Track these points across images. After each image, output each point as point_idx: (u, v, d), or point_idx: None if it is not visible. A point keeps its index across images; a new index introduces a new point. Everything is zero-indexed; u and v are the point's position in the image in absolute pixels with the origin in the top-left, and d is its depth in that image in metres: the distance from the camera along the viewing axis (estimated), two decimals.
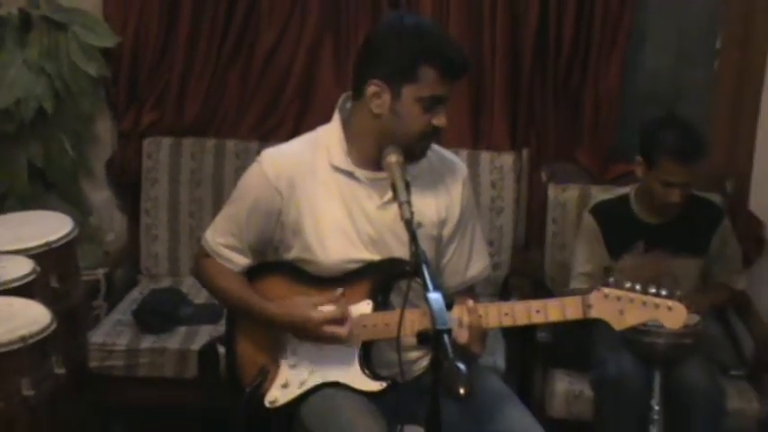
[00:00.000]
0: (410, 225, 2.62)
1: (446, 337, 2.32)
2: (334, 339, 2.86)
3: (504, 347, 3.94)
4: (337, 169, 2.94)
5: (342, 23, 4.43)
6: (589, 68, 4.35)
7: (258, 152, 4.31)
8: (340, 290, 2.89)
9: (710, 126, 4.48)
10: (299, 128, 4.47)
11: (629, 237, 3.85)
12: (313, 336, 2.89)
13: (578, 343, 3.76)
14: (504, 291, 4.34)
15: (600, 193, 4.14)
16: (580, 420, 3.81)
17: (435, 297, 2.41)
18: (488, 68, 4.38)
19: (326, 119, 4.34)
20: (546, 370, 3.93)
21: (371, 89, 2.85)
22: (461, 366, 2.25)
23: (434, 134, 2.85)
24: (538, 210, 4.43)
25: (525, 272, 4.37)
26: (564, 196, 4.35)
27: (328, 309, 2.86)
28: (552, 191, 4.37)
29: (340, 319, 2.85)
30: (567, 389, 3.86)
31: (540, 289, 4.23)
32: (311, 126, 4.34)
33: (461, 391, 2.23)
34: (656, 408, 3.59)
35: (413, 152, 2.86)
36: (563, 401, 3.85)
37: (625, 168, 4.25)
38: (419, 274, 2.53)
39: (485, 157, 4.38)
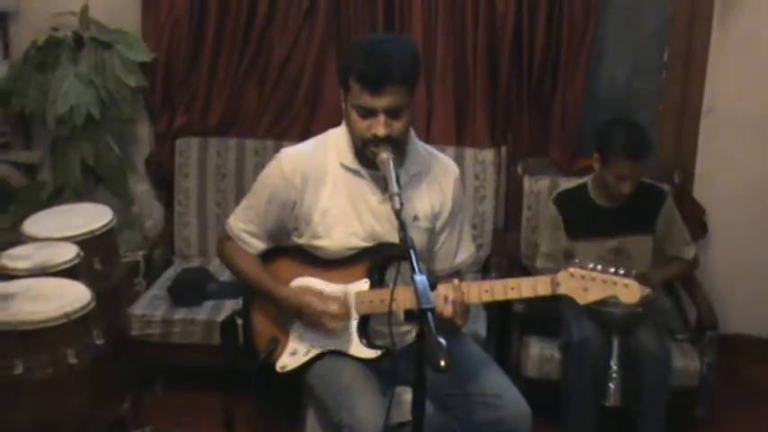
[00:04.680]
0: (399, 214, 2.57)
1: (429, 315, 2.26)
2: (329, 330, 2.83)
3: (486, 318, 3.86)
4: (345, 167, 2.88)
5: (343, 37, 4.34)
6: (558, 77, 4.26)
7: (274, 150, 4.32)
8: (344, 287, 2.86)
9: (660, 127, 4.43)
10: (308, 128, 4.43)
11: (586, 219, 3.80)
12: (312, 323, 2.85)
13: (549, 313, 3.70)
14: (486, 268, 4.25)
15: (566, 184, 4.06)
16: (550, 379, 3.75)
17: (420, 279, 2.37)
18: (471, 77, 4.30)
19: (332, 121, 4.27)
20: (521, 336, 3.86)
21: (340, 95, 2.83)
22: (442, 341, 2.20)
23: (378, 141, 2.71)
24: (515, 198, 4.35)
25: (504, 252, 4.28)
26: (537, 186, 4.28)
27: (333, 307, 2.82)
28: (527, 182, 4.30)
29: (339, 315, 2.81)
30: (539, 353, 3.80)
31: (517, 266, 4.16)
32: (319, 126, 4.29)
33: (442, 363, 2.17)
34: (614, 367, 3.60)
35: (365, 157, 2.79)
36: (536, 363, 3.79)
37: (588, 162, 4.11)
38: (407, 258, 2.46)
39: (469, 152, 4.29)
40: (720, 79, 4.26)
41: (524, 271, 4.06)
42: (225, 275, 4.20)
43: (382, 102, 2.68)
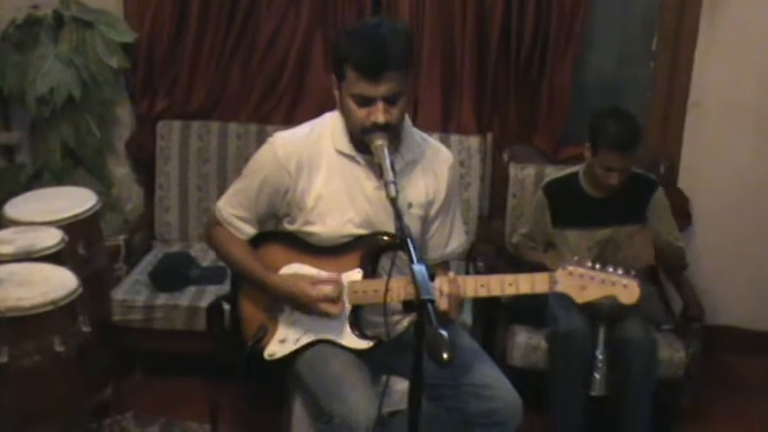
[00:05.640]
0: (395, 203, 2.52)
1: (430, 306, 2.22)
2: (327, 315, 2.78)
3: (471, 307, 3.83)
4: (340, 153, 2.82)
5: (330, 19, 4.28)
6: (546, 64, 4.22)
7: (257, 134, 4.32)
8: (336, 274, 2.80)
9: (646, 116, 4.40)
10: (292, 112, 4.39)
11: (576, 208, 3.78)
12: (308, 309, 2.80)
13: (535, 303, 3.67)
14: (471, 256, 4.19)
15: (553, 172, 4.06)
16: (536, 369, 3.74)
17: (419, 269, 2.31)
18: (458, 63, 4.25)
19: (317, 104, 4.29)
20: (507, 326, 3.84)
21: (331, 81, 2.78)
22: (444, 333, 2.15)
23: (377, 129, 2.65)
24: (500, 186, 4.31)
25: (489, 239, 4.25)
26: (522, 174, 4.25)
27: (326, 288, 2.76)
28: (512, 169, 4.26)
29: (334, 299, 2.76)
30: (525, 342, 3.78)
31: (502, 253, 4.13)
32: (304, 110, 4.33)
33: (445, 356, 2.13)
34: (600, 357, 3.59)
35: (361, 142, 2.74)
36: (522, 353, 3.77)
37: (574, 151, 4.18)
38: (404, 247, 2.42)
39: (454, 139, 4.25)
40: (708, 69, 4.24)
41: (510, 258, 4.04)
42: (207, 260, 4.17)
43: (381, 89, 2.63)
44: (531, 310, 3.74)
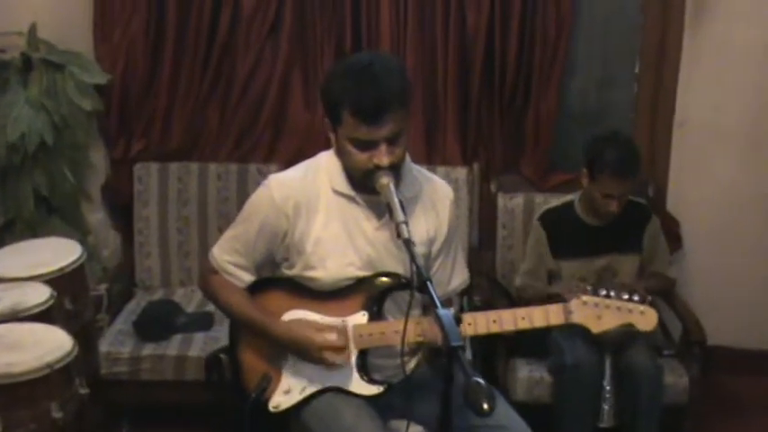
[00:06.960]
0: (409, 244, 2.40)
1: (461, 353, 2.08)
2: (332, 365, 2.63)
3: (469, 339, 3.68)
4: (338, 193, 2.68)
5: (309, 56, 4.17)
6: (530, 91, 4.14)
7: (238, 174, 4.16)
8: (341, 320, 2.66)
9: (632, 140, 4.30)
10: (273, 150, 4.27)
11: (573, 238, 3.70)
12: (312, 358, 2.65)
13: (536, 334, 3.52)
14: (466, 290, 4.08)
15: (542, 201, 4.00)
16: (540, 403, 3.62)
17: (445, 314, 2.19)
18: (441, 93, 4.16)
19: (298, 141, 4.16)
20: (508, 359, 3.73)
21: (325, 125, 2.63)
22: (482, 382, 2.02)
23: (381, 170, 2.52)
24: (489, 216, 4.20)
25: (480, 271, 4.12)
26: (511, 204, 4.14)
27: (331, 337, 2.62)
28: (501, 200, 4.15)
29: (340, 348, 2.62)
30: (528, 375, 3.67)
31: (495, 285, 4.04)
32: (285, 147, 4.20)
33: (485, 406, 2.00)
34: (608, 387, 3.53)
35: (365, 186, 2.61)
36: (525, 387, 3.66)
37: (562, 178, 4.15)
38: (424, 290, 2.31)
39: (440, 171, 4.11)
40: (692, 90, 4.18)
41: (503, 290, 3.96)
42: (192, 306, 4.03)
43: (383, 132, 2.50)
44: (531, 340, 3.62)
